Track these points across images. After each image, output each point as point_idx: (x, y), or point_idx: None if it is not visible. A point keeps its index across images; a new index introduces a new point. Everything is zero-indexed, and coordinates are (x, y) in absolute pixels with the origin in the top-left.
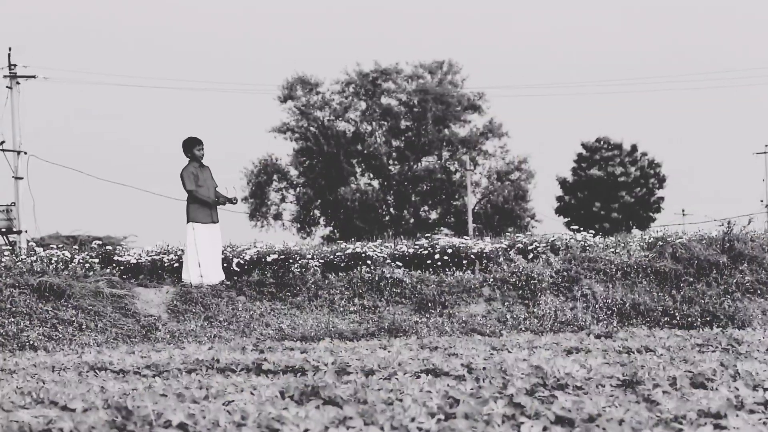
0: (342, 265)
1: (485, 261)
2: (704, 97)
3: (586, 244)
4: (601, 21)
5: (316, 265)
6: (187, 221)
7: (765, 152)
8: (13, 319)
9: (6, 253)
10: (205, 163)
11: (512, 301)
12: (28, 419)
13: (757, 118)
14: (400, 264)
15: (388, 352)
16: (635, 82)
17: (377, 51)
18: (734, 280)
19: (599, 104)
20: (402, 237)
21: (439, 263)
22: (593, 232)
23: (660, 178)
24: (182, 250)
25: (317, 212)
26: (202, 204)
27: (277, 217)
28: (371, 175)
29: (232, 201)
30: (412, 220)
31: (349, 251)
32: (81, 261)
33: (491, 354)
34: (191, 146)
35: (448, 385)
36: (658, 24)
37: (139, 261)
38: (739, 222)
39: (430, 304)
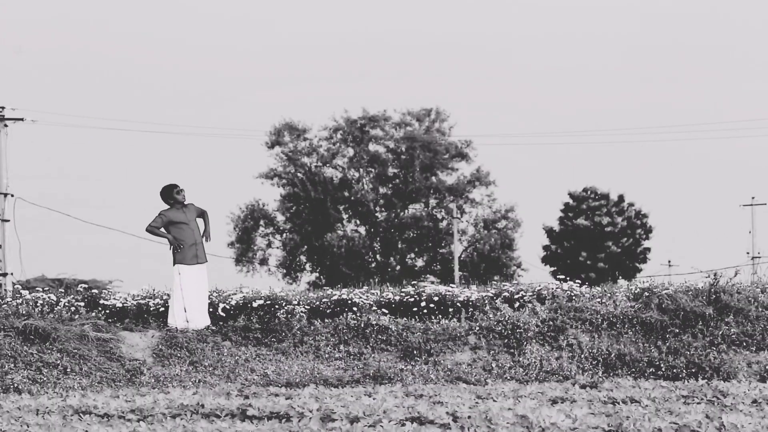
0: (328, 311)
1: (471, 309)
2: (692, 149)
3: (572, 294)
4: (589, 71)
5: (302, 312)
6: (174, 263)
7: (751, 204)
8: None
9: None
10: (188, 202)
11: (498, 350)
12: None
13: (744, 170)
14: (386, 311)
15: (373, 399)
16: (623, 133)
17: (365, 98)
18: (720, 332)
19: (587, 154)
20: (388, 284)
21: (425, 311)
22: (579, 281)
23: (647, 228)
24: (168, 295)
25: (303, 258)
26: (188, 244)
27: (263, 262)
28: (358, 222)
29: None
30: (398, 267)
31: (335, 298)
32: (66, 304)
33: (476, 402)
34: (170, 192)
35: None
36: (645, 75)
37: (125, 305)
38: (725, 274)
39: (415, 352)
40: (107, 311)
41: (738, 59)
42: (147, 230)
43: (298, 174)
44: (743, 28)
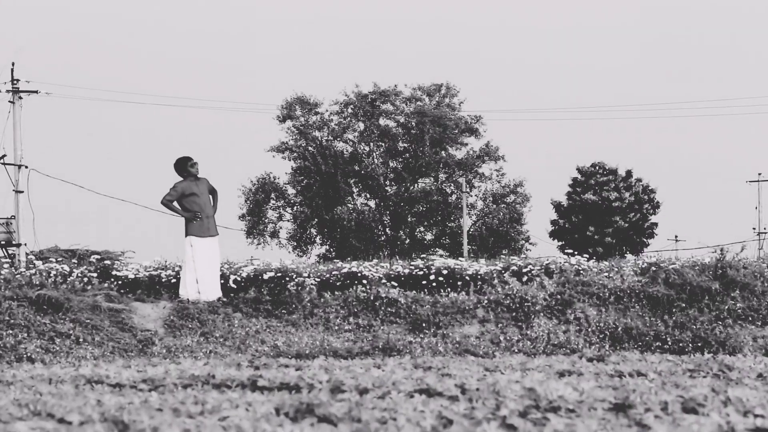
0: (338, 284)
1: (480, 283)
2: (700, 124)
3: (580, 268)
4: (599, 48)
5: (312, 284)
6: (186, 235)
7: (758, 180)
8: (11, 332)
9: (5, 266)
10: (202, 176)
11: (506, 323)
12: (25, 431)
13: (751, 146)
14: (396, 284)
15: (383, 371)
16: (632, 109)
17: (376, 73)
18: (726, 307)
19: (596, 129)
20: (397, 257)
21: (434, 284)
22: (587, 256)
23: (654, 204)
24: (180, 266)
25: (314, 231)
26: (201, 217)
27: (274, 235)
28: (368, 196)
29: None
30: (407, 241)
31: (345, 270)
32: (79, 275)
33: (484, 375)
34: (184, 165)
35: (441, 405)
36: (656, 51)
37: (137, 276)
38: (731, 249)
39: (424, 325)
40: (119, 282)
41: (747, 35)
42: (162, 203)
43: (309, 147)
44: (752, 7)
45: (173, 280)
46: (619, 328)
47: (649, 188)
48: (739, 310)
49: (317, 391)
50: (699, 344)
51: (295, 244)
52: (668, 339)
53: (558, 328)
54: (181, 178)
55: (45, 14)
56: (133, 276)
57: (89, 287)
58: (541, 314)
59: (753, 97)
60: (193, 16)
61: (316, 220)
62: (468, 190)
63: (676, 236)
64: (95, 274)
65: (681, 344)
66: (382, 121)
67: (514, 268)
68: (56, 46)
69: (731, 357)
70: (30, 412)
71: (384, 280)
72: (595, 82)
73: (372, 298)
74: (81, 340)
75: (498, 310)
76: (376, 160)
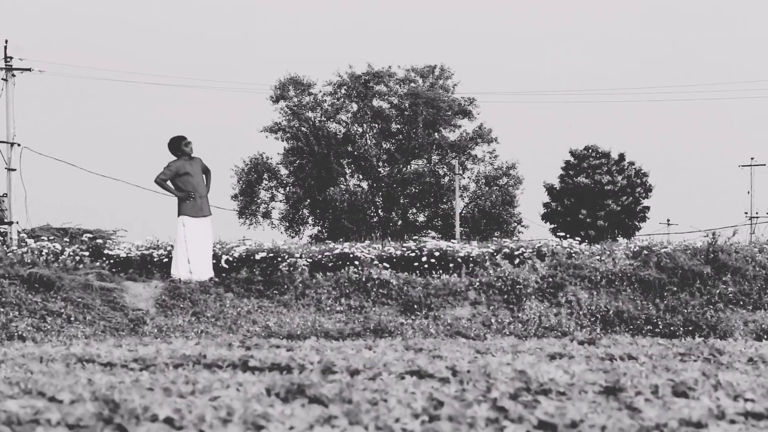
0: (330, 265)
1: (472, 265)
2: (693, 109)
3: (572, 251)
4: (593, 31)
5: (304, 265)
6: (178, 215)
7: (750, 165)
8: (2, 310)
9: None
10: (195, 156)
11: (497, 306)
12: (16, 409)
13: (744, 131)
14: (387, 265)
15: (374, 352)
16: (625, 92)
17: (370, 54)
18: (717, 291)
19: (589, 112)
20: (389, 239)
21: (426, 266)
22: (579, 239)
23: (646, 187)
24: (172, 246)
25: (306, 212)
26: (193, 196)
27: (266, 215)
28: (360, 177)
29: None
30: (399, 222)
31: (337, 251)
32: (71, 254)
33: (475, 357)
34: (178, 144)
35: (432, 387)
36: (650, 35)
37: (129, 255)
38: (723, 233)
39: (416, 306)
40: (111, 261)
41: (740, 20)
42: (156, 182)
43: (302, 128)
44: None
45: (165, 260)
46: (611, 312)
47: (642, 172)
48: (731, 295)
49: (308, 372)
50: (690, 328)
51: (288, 224)
52: (659, 323)
53: (549, 311)
54: (175, 158)
55: None
56: (125, 255)
57: (81, 266)
58: (533, 297)
59: (747, 82)
60: None
61: (308, 200)
62: (461, 172)
63: (668, 220)
64: (87, 253)
65: (672, 328)
66: (376, 103)
67: (506, 250)
68: (50, 23)
69: (722, 341)
70: (21, 390)
71: (376, 262)
72: (589, 65)
73: (364, 279)
74: (72, 318)
75: (489, 292)
76: (369, 142)
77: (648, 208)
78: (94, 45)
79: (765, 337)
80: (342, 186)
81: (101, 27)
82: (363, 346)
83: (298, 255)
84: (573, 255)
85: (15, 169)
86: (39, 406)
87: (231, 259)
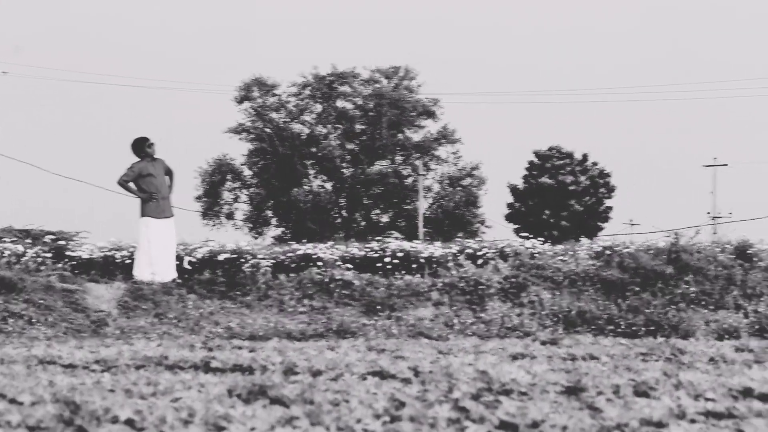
0: (293, 265)
1: (435, 265)
2: (655, 109)
3: (534, 252)
4: (556, 31)
5: (267, 266)
6: (141, 216)
7: (713, 165)
8: None
9: None
10: (158, 157)
11: (460, 306)
12: None
13: (707, 131)
14: (351, 266)
15: (336, 353)
16: (588, 93)
17: (334, 55)
18: (679, 291)
19: (552, 113)
20: (353, 239)
21: (389, 266)
22: (542, 239)
23: (609, 187)
24: (134, 247)
25: (269, 213)
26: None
27: (230, 216)
28: (324, 177)
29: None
30: (363, 223)
31: (300, 252)
32: (33, 255)
33: (438, 358)
34: (141, 146)
35: (394, 388)
36: (611, 36)
37: (92, 256)
38: (686, 233)
39: (378, 307)
40: (74, 262)
41: (703, 21)
42: (118, 183)
43: (266, 129)
44: None
45: (128, 261)
46: (573, 312)
47: (605, 172)
48: (692, 294)
49: (270, 373)
50: (652, 328)
51: (251, 225)
52: (621, 323)
53: (512, 311)
54: (138, 159)
55: None
56: (87, 256)
57: (43, 267)
58: (496, 297)
59: (709, 82)
60: None
61: (272, 201)
62: (424, 172)
63: (631, 220)
64: (49, 255)
65: (634, 328)
66: (340, 103)
67: (469, 251)
68: (11, 25)
69: (684, 341)
70: None
71: (339, 262)
72: (553, 66)
73: (327, 280)
74: (34, 320)
75: (452, 292)
76: (333, 142)
77: (611, 208)
78: (56, 46)
79: (726, 337)
80: (306, 187)
81: (63, 29)
82: (325, 347)
83: (261, 256)
84: (536, 255)
85: None
86: None
87: (194, 260)
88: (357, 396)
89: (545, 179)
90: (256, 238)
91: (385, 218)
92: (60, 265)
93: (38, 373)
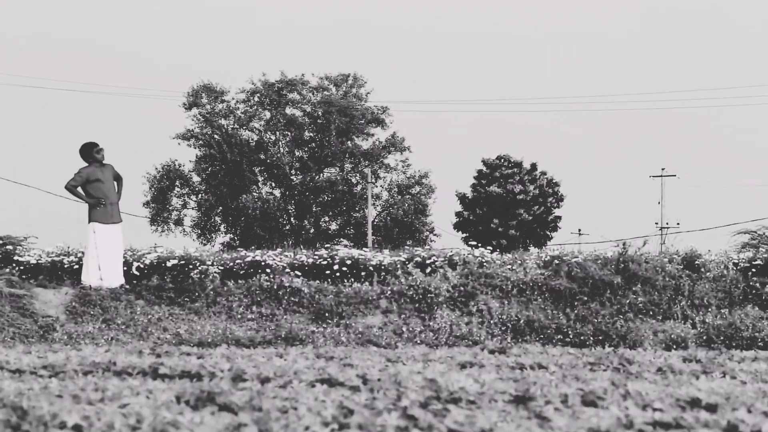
0: (241, 272)
1: (383, 273)
2: (603, 119)
3: (483, 260)
4: (505, 41)
5: (215, 272)
6: (89, 221)
7: (661, 175)
8: None
9: None
10: (107, 162)
11: (409, 314)
12: None
13: (655, 141)
14: (299, 273)
15: (285, 360)
16: (537, 102)
17: (283, 62)
18: (627, 301)
19: (501, 122)
20: (302, 247)
21: (337, 274)
22: (491, 248)
23: (558, 197)
24: (82, 252)
25: (218, 219)
26: (104, 203)
27: (178, 222)
28: (273, 184)
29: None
30: (312, 231)
31: (248, 259)
32: None
33: (386, 366)
34: (89, 151)
35: (342, 396)
36: (559, 46)
37: (39, 262)
38: (634, 243)
39: (327, 315)
40: (21, 268)
41: (652, 31)
42: (66, 188)
43: (215, 135)
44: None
45: (76, 267)
46: (522, 321)
47: (554, 181)
48: (641, 305)
49: (218, 380)
50: (600, 338)
51: (200, 232)
52: (570, 332)
53: (461, 319)
54: (86, 164)
55: None
56: (35, 261)
57: None
58: (444, 306)
59: (657, 92)
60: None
61: (220, 208)
62: (373, 180)
63: (579, 230)
64: None
65: (582, 337)
66: (289, 110)
67: (418, 259)
68: None
69: (632, 351)
70: None
71: (288, 270)
72: (502, 75)
73: (275, 287)
74: None
75: (401, 301)
76: (281, 149)
77: (560, 217)
78: (2, 50)
79: (674, 347)
80: (254, 194)
81: (10, 31)
82: (274, 354)
83: (209, 262)
84: (484, 264)
85: None
86: None
87: (142, 266)
88: (305, 403)
89: (494, 188)
90: (204, 244)
91: (334, 226)
92: (8, 270)
93: None
